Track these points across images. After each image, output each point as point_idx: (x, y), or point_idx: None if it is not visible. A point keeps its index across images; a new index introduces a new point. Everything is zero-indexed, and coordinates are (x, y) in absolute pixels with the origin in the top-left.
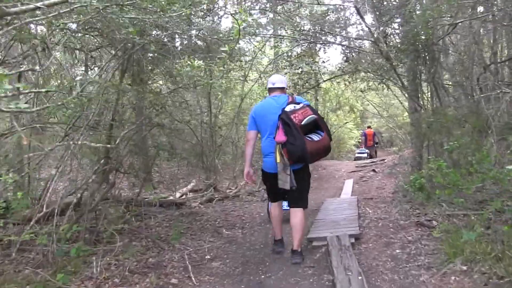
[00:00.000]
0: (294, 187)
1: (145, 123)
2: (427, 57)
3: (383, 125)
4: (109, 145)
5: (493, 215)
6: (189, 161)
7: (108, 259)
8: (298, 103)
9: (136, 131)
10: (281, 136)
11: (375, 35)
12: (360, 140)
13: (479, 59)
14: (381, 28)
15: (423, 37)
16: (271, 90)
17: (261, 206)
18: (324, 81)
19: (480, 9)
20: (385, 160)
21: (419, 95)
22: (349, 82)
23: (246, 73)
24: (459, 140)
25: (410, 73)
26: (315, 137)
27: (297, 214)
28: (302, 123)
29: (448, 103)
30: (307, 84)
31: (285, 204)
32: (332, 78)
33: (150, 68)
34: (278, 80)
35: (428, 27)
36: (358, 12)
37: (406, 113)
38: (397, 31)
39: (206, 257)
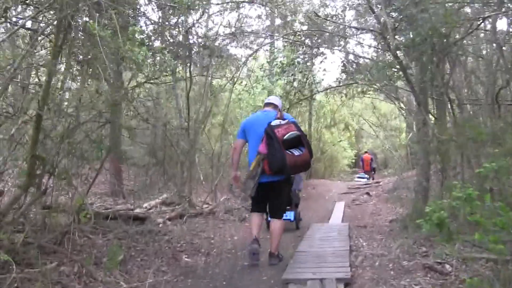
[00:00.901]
0: (252, 196)
1: (94, 119)
2: (446, 59)
3: (378, 145)
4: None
5: None
6: (148, 168)
7: None
8: (284, 119)
9: (74, 126)
10: (263, 148)
11: (382, 22)
12: (353, 160)
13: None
14: (390, 16)
15: (442, 31)
16: (265, 105)
17: (236, 228)
18: (319, 91)
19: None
20: (380, 183)
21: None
22: (345, 95)
23: (236, 78)
24: (498, 161)
25: (421, 77)
26: (296, 152)
27: (275, 223)
28: (284, 137)
29: (464, 118)
30: (299, 93)
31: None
32: (328, 89)
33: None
34: (273, 98)
35: (451, 18)
36: None
37: (404, 134)
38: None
39: None
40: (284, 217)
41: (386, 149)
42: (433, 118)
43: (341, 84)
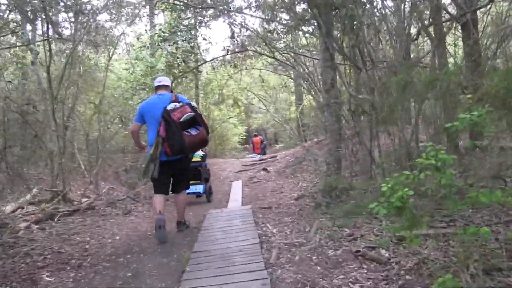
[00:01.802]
0: (155, 178)
1: None
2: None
3: (268, 120)
4: None
5: None
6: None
7: None
8: (179, 102)
9: None
10: (162, 132)
11: None
12: (244, 137)
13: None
14: None
15: None
16: (157, 88)
17: (119, 224)
18: (206, 61)
19: None
20: (277, 157)
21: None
22: (235, 66)
23: (110, 52)
24: (478, 111)
25: (327, 28)
26: (193, 132)
27: (180, 196)
28: (181, 120)
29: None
30: (184, 65)
31: (193, 188)
32: (215, 58)
33: None
34: (163, 79)
35: None
36: None
37: (293, 107)
38: None
39: None
40: (194, 190)
41: (276, 123)
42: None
43: (229, 53)
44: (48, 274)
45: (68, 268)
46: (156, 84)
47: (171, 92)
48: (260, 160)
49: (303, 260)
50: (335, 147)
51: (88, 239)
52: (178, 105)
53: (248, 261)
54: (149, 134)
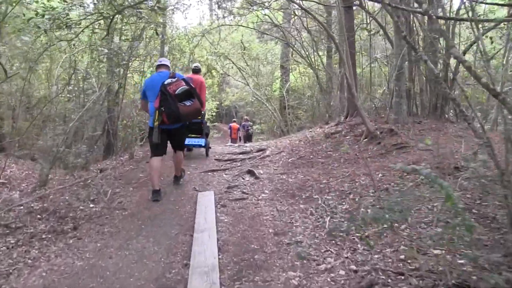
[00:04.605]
0: (158, 142)
1: None
2: None
3: (244, 97)
4: None
5: None
6: None
7: None
8: (175, 77)
9: None
10: (156, 103)
11: None
12: (214, 114)
13: None
14: None
15: None
16: (158, 67)
17: None
18: None
19: None
20: (266, 152)
21: None
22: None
23: None
24: None
25: None
26: (188, 103)
27: (177, 155)
28: (176, 92)
29: None
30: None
31: (196, 141)
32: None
33: None
34: (163, 59)
35: None
36: None
37: (278, 83)
38: None
39: None
40: (196, 143)
41: (255, 101)
42: None
43: None
44: None
45: None
46: (157, 63)
47: (169, 70)
48: (242, 152)
49: None
50: None
51: None
52: (174, 80)
53: None
54: (150, 107)
